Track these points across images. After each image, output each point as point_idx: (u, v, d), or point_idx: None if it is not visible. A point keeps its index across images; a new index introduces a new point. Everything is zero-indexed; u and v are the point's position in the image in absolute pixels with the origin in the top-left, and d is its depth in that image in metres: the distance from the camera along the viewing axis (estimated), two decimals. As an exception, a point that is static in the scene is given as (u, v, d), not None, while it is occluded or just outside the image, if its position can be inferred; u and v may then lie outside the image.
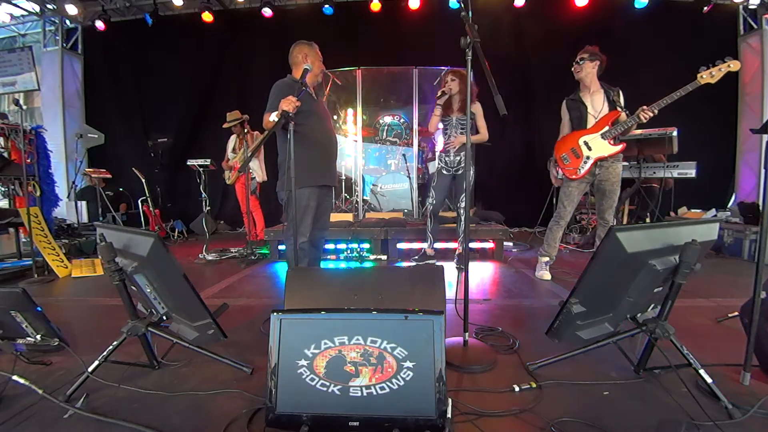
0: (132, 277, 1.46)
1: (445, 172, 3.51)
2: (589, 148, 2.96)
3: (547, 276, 3.26)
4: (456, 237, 3.78)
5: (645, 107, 2.70)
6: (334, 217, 4.26)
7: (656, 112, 2.68)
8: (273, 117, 2.17)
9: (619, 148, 2.91)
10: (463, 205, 3.41)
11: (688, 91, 2.57)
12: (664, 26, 5.68)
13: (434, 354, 1.16)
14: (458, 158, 3.47)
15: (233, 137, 4.88)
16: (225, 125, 4.76)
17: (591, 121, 3.00)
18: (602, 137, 2.91)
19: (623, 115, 2.88)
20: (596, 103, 3.00)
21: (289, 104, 2.04)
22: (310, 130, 2.38)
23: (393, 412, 1.14)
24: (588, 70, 2.97)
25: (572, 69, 3.05)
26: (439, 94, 3.44)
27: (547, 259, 3.30)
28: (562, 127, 3.21)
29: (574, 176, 3.02)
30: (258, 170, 4.76)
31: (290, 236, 2.25)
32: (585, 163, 2.96)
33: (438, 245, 4.12)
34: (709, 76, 2.55)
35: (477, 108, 3.45)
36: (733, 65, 2.52)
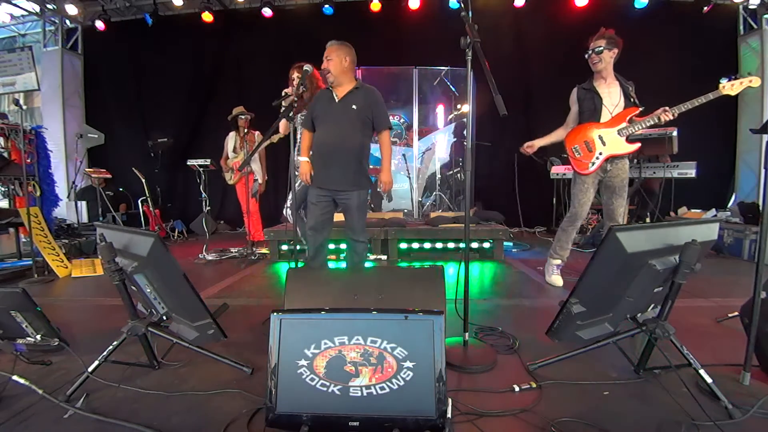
0: (132, 277, 1.46)
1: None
2: (603, 144, 2.74)
3: (559, 282, 3.03)
4: None
5: (667, 108, 2.55)
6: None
7: (677, 114, 2.55)
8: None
9: (635, 147, 2.72)
10: (287, 204, 3.25)
11: (709, 99, 2.49)
12: (664, 26, 5.69)
13: (434, 354, 1.16)
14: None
15: (232, 135, 4.86)
16: (230, 117, 4.76)
17: (605, 115, 2.76)
18: (618, 134, 2.71)
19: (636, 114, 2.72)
20: (613, 96, 2.74)
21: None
22: (317, 135, 2.48)
23: (393, 412, 1.14)
24: (607, 60, 2.70)
25: (588, 59, 2.75)
26: (285, 93, 3.06)
27: (558, 261, 3.06)
28: (569, 116, 2.95)
29: (584, 171, 2.79)
30: (259, 171, 4.76)
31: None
32: (597, 158, 2.74)
33: (434, 245, 4.12)
34: (731, 87, 2.45)
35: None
36: (754, 81, 2.44)
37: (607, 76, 2.77)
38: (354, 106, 2.45)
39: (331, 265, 3.64)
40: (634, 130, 2.68)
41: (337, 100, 2.46)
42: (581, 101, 2.85)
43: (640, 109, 2.72)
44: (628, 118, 2.71)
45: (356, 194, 2.49)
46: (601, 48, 2.69)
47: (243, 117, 4.69)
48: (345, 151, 2.47)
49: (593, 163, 2.76)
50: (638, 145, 2.74)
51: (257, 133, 4.72)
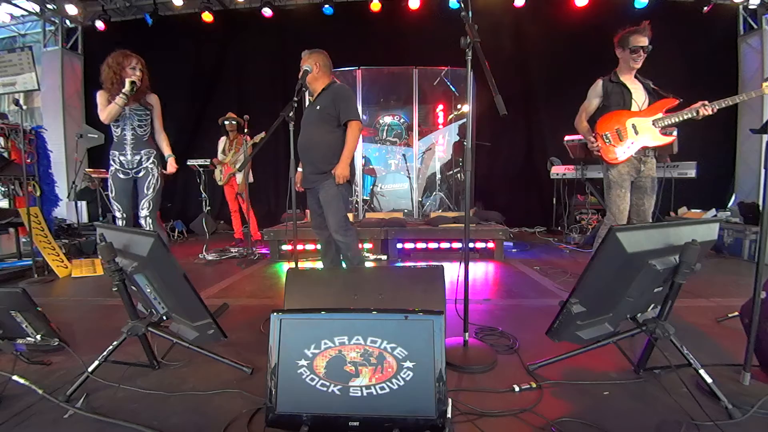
0: (132, 277, 1.46)
1: (122, 175, 2.87)
2: (636, 133, 2.59)
3: None
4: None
5: (706, 103, 2.44)
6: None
7: (716, 110, 2.44)
8: None
9: (670, 139, 2.56)
10: (144, 213, 2.92)
11: (751, 96, 2.43)
12: (664, 26, 5.68)
13: (434, 354, 1.15)
14: (138, 157, 2.87)
15: (223, 138, 5.01)
16: (219, 121, 4.92)
17: (634, 109, 2.66)
18: (653, 124, 2.56)
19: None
20: (639, 93, 2.66)
21: None
22: (299, 137, 2.55)
23: (393, 412, 1.14)
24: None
25: (632, 54, 2.60)
26: (130, 85, 2.73)
27: None
28: (584, 108, 2.80)
29: (613, 160, 2.62)
30: (238, 174, 4.85)
31: None
32: (628, 147, 2.58)
33: (434, 245, 4.13)
34: None
35: (153, 99, 2.98)
36: None
37: (632, 73, 2.69)
38: (318, 107, 2.55)
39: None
40: (670, 122, 2.56)
41: (310, 104, 2.61)
42: (609, 95, 2.70)
43: (680, 101, 2.57)
44: (665, 109, 2.58)
45: (324, 187, 2.52)
46: (650, 47, 2.57)
47: (227, 123, 4.84)
48: (311, 149, 2.57)
49: (624, 153, 2.59)
50: (673, 137, 2.60)
51: (246, 137, 4.78)
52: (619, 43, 2.66)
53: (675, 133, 4.09)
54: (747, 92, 2.40)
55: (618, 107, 2.65)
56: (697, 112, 2.46)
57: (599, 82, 2.75)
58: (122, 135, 2.85)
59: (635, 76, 2.70)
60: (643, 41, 2.59)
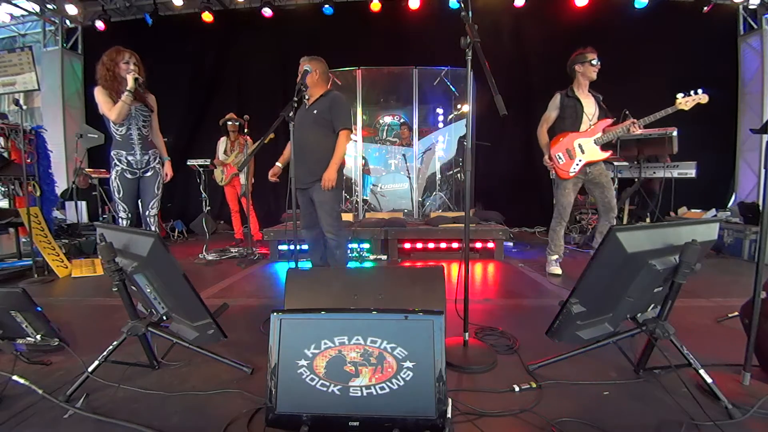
0: (132, 277, 1.46)
1: (129, 175, 2.86)
2: (582, 152, 3.06)
3: (558, 270, 3.32)
4: None
5: (635, 121, 2.87)
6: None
7: (642, 126, 2.88)
8: None
9: (607, 154, 3.07)
10: (154, 212, 2.99)
11: (668, 113, 2.78)
12: (664, 26, 5.69)
13: (434, 354, 1.15)
14: (146, 157, 2.89)
15: (223, 139, 5.01)
16: (221, 122, 4.93)
17: (585, 123, 3.07)
18: (594, 143, 3.03)
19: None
20: (590, 106, 3.09)
21: None
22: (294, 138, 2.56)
23: (393, 412, 1.14)
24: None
25: (592, 67, 3.01)
26: (135, 80, 2.70)
27: (556, 257, 3.35)
28: (546, 118, 3.21)
29: (565, 176, 3.12)
30: (241, 175, 4.86)
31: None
32: (576, 165, 3.07)
33: (434, 245, 4.12)
34: (684, 103, 2.75)
35: (153, 99, 2.96)
36: (703, 98, 2.73)
37: (586, 87, 3.12)
38: (315, 111, 2.62)
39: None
40: (607, 140, 3.00)
41: (306, 108, 2.67)
42: (564, 108, 3.12)
43: (613, 119, 3.05)
44: (602, 129, 3.03)
45: (318, 189, 2.60)
46: (597, 60, 3.01)
47: (230, 123, 4.85)
48: (306, 150, 2.61)
49: (573, 170, 3.09)
50: (610, 152, 3.08)
51: (247, 138, 4.80)
52: (577, 60, 3.08)
53: (676, 136, 4.13)
54: (665, 109, 2.78)
55: (571, 120, 3.10)
56: (628, 130, 2.90)
57: (557, 96, 3.17)
58: (128, 135, 2.81)
59: (588, 90, 3.11)
60: (594, 56, 3.05)
